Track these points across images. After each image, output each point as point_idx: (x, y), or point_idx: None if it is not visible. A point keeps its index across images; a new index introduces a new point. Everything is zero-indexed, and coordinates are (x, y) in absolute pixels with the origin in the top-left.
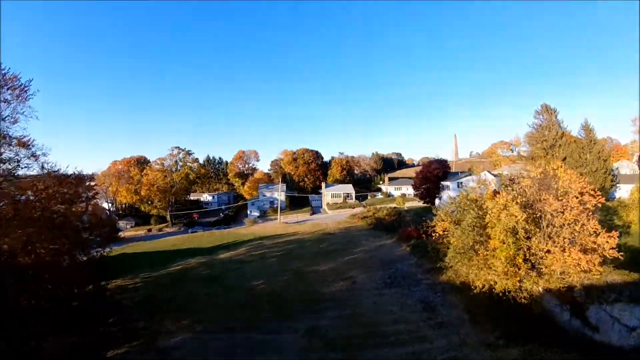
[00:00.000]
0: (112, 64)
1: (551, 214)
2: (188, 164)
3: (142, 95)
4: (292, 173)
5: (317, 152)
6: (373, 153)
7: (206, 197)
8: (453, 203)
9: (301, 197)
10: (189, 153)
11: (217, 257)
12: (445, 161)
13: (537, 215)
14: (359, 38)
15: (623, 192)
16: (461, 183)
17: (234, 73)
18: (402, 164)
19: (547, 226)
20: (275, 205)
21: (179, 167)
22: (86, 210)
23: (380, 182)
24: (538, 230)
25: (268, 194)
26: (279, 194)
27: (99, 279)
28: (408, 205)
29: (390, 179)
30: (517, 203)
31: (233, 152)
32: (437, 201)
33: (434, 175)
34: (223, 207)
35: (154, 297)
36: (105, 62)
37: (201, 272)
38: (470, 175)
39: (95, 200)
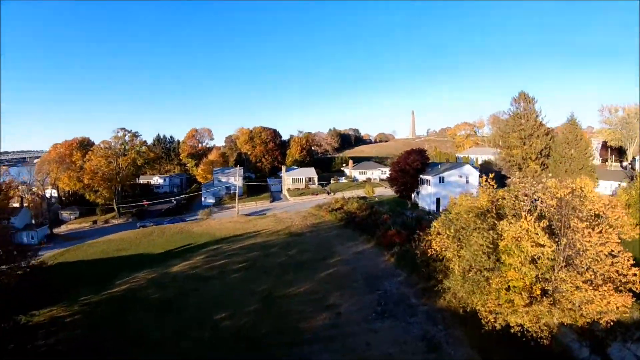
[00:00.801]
0: (47, 36)
1: (581, 243)
2: (135, 147)
3: (84, 71)
4: (249, 153)
5: (275, 131)
6: (330, 129)
7: (157, 179)
8: (455, 219)
9: (259, 181)
10: (135, 135)
11: (170, 270)
12: (424, 151)
13: (563, 243)
14: (315, 13)
15: (602, 189)
16: (443, 178)
17: (184, 47)
18: (359, 140)
19: (575, 257)
20: (232, 191)
21: (125, 151)
22: None
23: (343, 165)
24: (562, 260)
25: (224, 179)
26: (237, 179)
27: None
28: (377, 192)
29: (355, 162)
30: (542, 229)
31: (185, 130)
32: (413, 195)
33: (412, 168)
34: (175, 189)
35: (94, 339)
36: (39, 33)
37: (151, 296)
38: (451, 168)
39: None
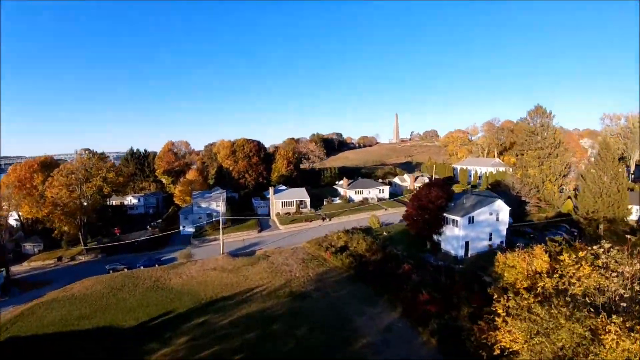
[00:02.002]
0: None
1: None
2: (101, 174)
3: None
4: (231, 168)
5: (258, 144)
6: (313, 134)
7: (131, 200)
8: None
9: (244, 200)
10: (101, 158)
11: None
12: (447, 185)
13: None
14: (292, 14)
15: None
16: (472, 218)
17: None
18: (342, 144)
19: None
20: (213, 219)
21: (90, 177)
22: None
23: (335, 183)
24: None
25: (204, 205)
26: (219, 205)
27: None
28: (379, 216)
29: (345, 175)
30: None
31: (161, 143)
32: (436, 237)
33: (435, 206)
34: (151, 210)
35: None
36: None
37: None
38: (480, 204)
39: None
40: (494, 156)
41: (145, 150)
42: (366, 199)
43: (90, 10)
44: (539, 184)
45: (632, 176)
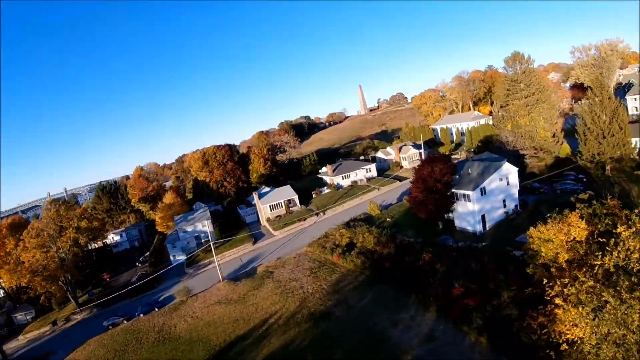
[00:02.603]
0: None
1: None
2: (72, 224)
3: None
4: (207, 180)
5: (230, 147)
6: (281, 122)
7: (112, 237)
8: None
9: (228, 211)
10: (69, 207)
11: None
12: (449, 158)
13: None
14: None
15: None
16: (484, 189)
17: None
18: (312, 126)
19: None
20: (202, 240)
21: (63, 230)
22: None
23: (320, 170)
24: None
25: (189, 229)
26: (205, 224)
27: None
28: (374, 198)
29: (323, 158)
30: None
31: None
32: (447, 215)
33: (442, 184)
34: (136, 243)
35: None
36: None
37: None
38: (487, 171)
39: None
40: (469, 109)
41: (115, 182)
42: (355, 182)
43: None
44: (532, 132)
45: None
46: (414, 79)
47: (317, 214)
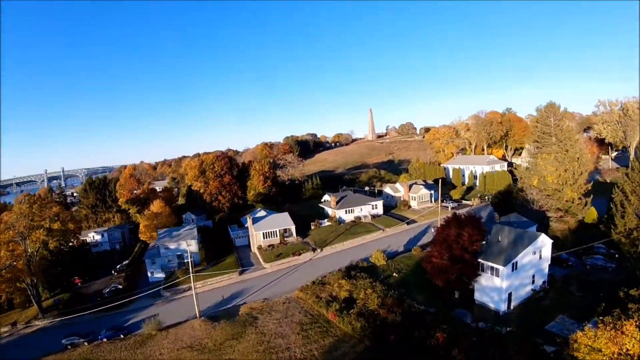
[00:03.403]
0: None
1: None
2: (44, 225)
3: None
4: (201, 190)
5: (230, 159)
6: (287, 137)
7: (93, 236)
8: None
9: (219, 227)
10: (43, 204)
11: None
12: (479, 222)
13: None
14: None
15: None
16: (516, 264)
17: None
18: (317, 144)
19: None
20: (185, 259)
21: (33, 229)
22: None
23: (322, 198)
24: None
25: (173, 246)
26: (189, 243)
27: None
28: (377, 239)
29: (338, 199)
30: None
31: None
32: (475, 286)
33: (470, 254)
34: (117, 245)
35: None
36: None
37: None
38: (520, 241)
39: None
40: (482, 150)
41: (105, 177)
42: (359, 218)
43: None
44: (560, 192)
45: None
46: (424, 110)
47: (313, 249)
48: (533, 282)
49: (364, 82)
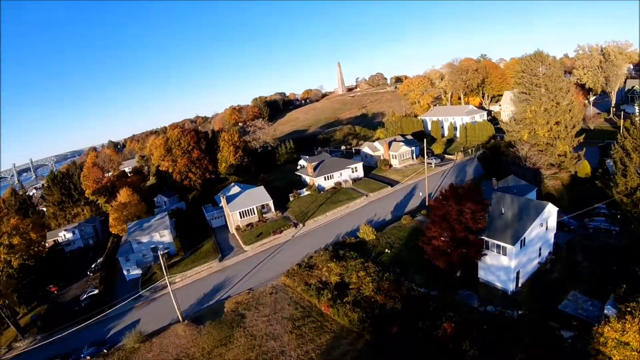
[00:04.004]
0: None
1: None
2: (3, 240)
3: None
4: (170, 170)
5: (197, 132)
6: (255, 99)
7: (64, 234)
8: None
9: (193, 207)
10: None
11: None
12: (480, 191)
13: None
14: None
15: None
16: (524, 240)
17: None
18: (287, 103)
19: None
20: (161, 252)
21: None
22: None
23: (298, 163)
24: None
25: (145, 239)
26: (163, 234)
27: None
28: (359, 204)
29: (315, 164)
30: None
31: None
32: (479, 264)
33: (474, 229)
34: (90, 241)
35: None
36: None
37: None
38: (526, 212)
39: None
40: (458, 99)
41: (68, 170)
42: (339, 184)
43: None
44: (552, 146)
45: (614, 109)
46: (394, 59)
47: (295, 225)
48: (540, 254)
49: (331, 32)
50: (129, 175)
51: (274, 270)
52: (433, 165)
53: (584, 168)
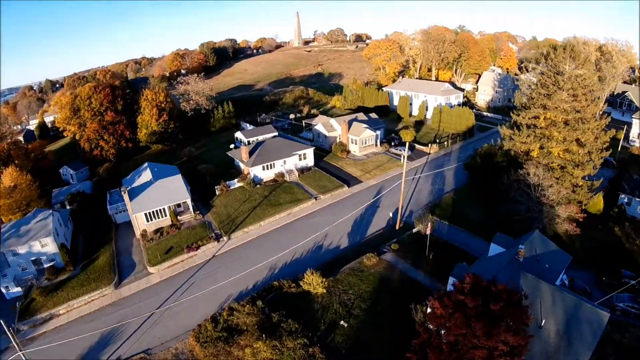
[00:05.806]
0: None
1: None
2: None
3: None
4: (77, 136)
5: (112, 88)
6: (201, 44)
7: None
8: None
9: (100, 190)
10: None
11: None
12: (519, 297)
13: None
14: None
15: None
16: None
17: None
18: (238, 52)
19: None
20: (45, 264)
21: None
22: None
23: (236, 124)
24: None
25: (23, 250)
26: (46, 244)
27: None
28: (304, 211)
29: (252, 149)
30: None
31: None
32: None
33: None
34: None
35: None
36: None
37: None
38: (592, 335)
39: None
40: (428, 71)
41: None
42: (282, 176)
43: None
44: (570, 174)
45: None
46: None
47: (217, 239)
48: None
49: None
50: (36, 135)
51: (182, 318)
52: (402, 158)
53: (597, 203)
